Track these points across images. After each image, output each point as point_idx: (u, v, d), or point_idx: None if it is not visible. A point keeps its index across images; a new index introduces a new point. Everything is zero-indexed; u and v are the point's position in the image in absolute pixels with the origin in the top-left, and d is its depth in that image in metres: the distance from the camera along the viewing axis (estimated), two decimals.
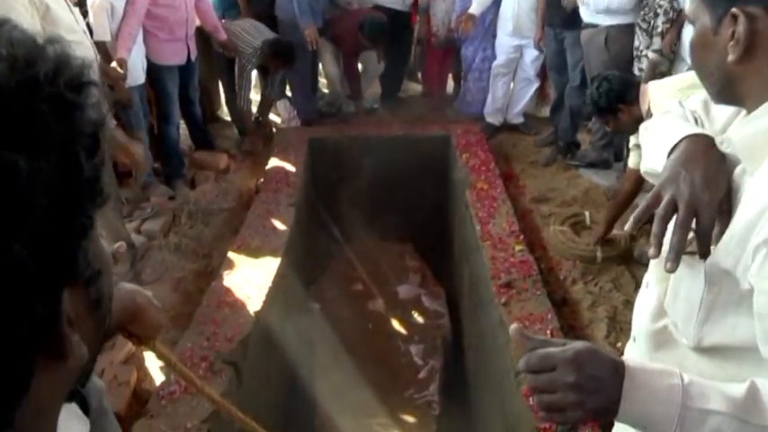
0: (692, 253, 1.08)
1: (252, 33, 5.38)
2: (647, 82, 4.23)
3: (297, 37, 5.57)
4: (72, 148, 0.49)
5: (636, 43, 4.44)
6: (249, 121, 5.94)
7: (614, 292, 3.67)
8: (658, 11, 4.18)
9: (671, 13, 4.15)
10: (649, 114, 3.04)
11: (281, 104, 6.46)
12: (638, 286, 3.66)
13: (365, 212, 5.28)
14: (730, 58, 1.02)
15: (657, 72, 4.21)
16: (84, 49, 3.25)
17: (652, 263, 1.26)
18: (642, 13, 4.34)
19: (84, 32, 3.45)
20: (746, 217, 0.97)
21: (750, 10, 0.98)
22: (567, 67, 5.20)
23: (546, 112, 6.14)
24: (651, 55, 4.24)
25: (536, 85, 5.97)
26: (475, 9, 5.64)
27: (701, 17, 1.07)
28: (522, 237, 3.98)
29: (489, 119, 6.01)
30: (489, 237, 3.97)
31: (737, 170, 1.07)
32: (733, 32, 1.00)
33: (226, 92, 6.03)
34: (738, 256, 0.98)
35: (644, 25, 4.31)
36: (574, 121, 5.30)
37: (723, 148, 1.11)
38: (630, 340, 1.31)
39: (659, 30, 4.20)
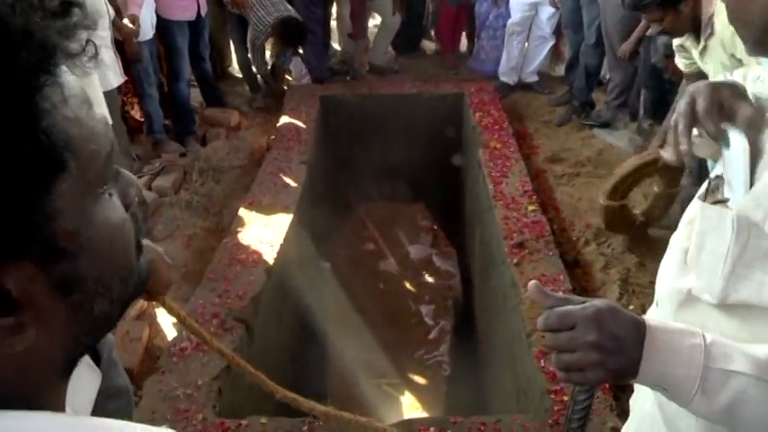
0: (719, 202, 1.04)
1: (266, 6, 5.26)
2: (642, 32, 4.15)
3: None
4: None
5: None
6: (269, 79, 5.87)
7: (627, 253, 3.63)
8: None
9: None
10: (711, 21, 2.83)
11: (293, 61, 6.39)
12: (650, 248, 3.63)
13: (377, 172, 5.25)
14: None
15: None
16: (96, 4, 3.21)
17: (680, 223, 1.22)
18: None
19: None
20: None
21: None
22: (582, 25, 5.10)
23: (560, 70, 6.05)
24: None
25: (551, 42, 5.88)
26: None
27: None
28: (534, 197, 3.94)
29: (504, 78, 5.93)
30: (502, 196, 3.93)
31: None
32: None
33: (237, 49, 5.96)
34: None
35: None
36: (589, 80, 5.22)
37: (759, 87, 1.07)
38: (653, 305, 1.28)
39: None
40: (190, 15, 4.86)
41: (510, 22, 5.76)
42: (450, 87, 5.70)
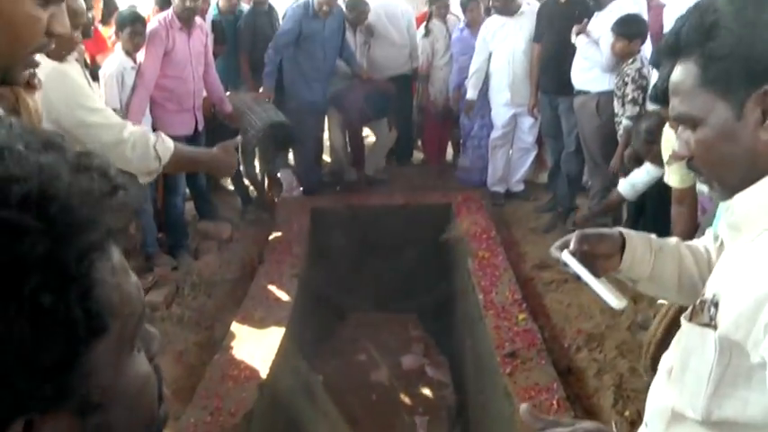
0: (702, 324, 1.09)
1: (256, 112, 5.44)
2: (623, 148, 4.34)
3: (303, 109, 5.72)
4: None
5: (615, 110, 4.54)
6: (259, 188, 6.00)
7: (619, 358, 3.64)
8: (626, 79, 4.30)
9: (639, 81, 4.27)
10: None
11: (284, 174, 6.54)
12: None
13: (368, 282, 5.29)
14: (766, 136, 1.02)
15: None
16: None
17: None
18: (616, 81, 4.46)
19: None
20: (759, 293, 0.97)
21: None
22: (562, 134, 5.29)
23: (544, 177, 6.22)
24: (625, 122, 4.34)
25: (534, 152, 6.07)
26: (471, 94, 5.86)
27: (715, 111, 1.05)
28: (524, 305, 3.99)
29: (494, 188, 6.09)
30: (492, 306, 3.98)
31: (741, 239, 1.09)
32: (763, 111, 1.00)
33: None
34: (749, 329, 0.98)
35: (618, 93, 4.43)
36: (571, 187, 5.37)
37: (728, 216, 1.13)
38: (643, 425, 1.31)
39: (629, 97, 4.31)
40: (188, 131, 4.96)
41: (493, 136, 5.96)
42: (438, 197, 5.84)
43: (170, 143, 2.27)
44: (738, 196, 1.10)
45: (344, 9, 6.03)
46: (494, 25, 5.69)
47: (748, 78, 1.00)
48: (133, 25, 4.48)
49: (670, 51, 1.09)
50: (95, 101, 2.28)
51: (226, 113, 5.42)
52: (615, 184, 4.90)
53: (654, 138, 3.55)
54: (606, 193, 4.98)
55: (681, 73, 1.08)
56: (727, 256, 1.16)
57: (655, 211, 4.19)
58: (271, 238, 5.11)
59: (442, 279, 5.42)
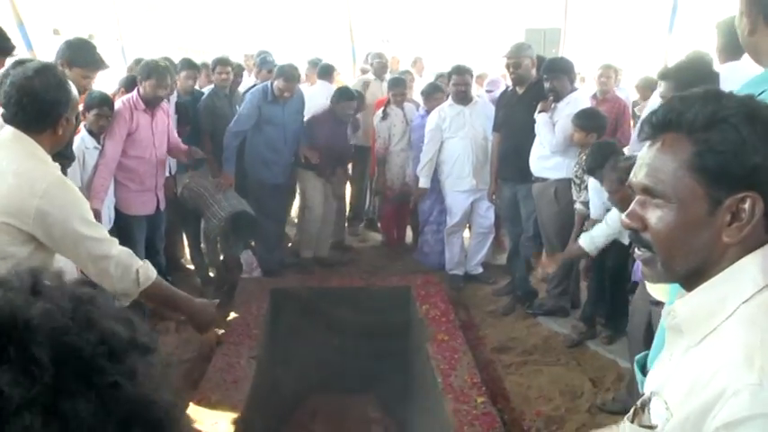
0: (645, 426, 1.13)
1: (219, 201, 5.45)
2: (577, 233, 4.47)
3: (265, 190, 5.85)
4: None
5: (573, 197, 4.68)
6: (220, 270, 5.99)
7: None
8: (584, 167, 4.47)
9: None
10: None
11: (244, 255, 6.52)
12: None
13: (327, 364, 5.25)
14: (730, 239, 1.07)
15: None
16: None
17: None
18: (574, 169, 4.63)
19: None
20: (704, 399, 1.00)
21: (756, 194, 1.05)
22: (520, 218, 5.41)
23: (502, 259, 6.32)
24: (579, 207, 4.49)
25: (492, 235, 6.18)
26: (424, 182, 5.95)
27: (692, 199, 1.08)
28: (483, 389, 3.99)
29: (453, 272, 6.14)
30: (451, 389, 3.98)
31: (682, 342, 1.14)
32: (732, 214, 1.06)
33: (190, 243, 6.10)
34: None
35: (577, 181, 4.59)
36: (530, 270, 5.46)
37: (669, 320, 1.17)
38: None
39: (585, 183, 4.46)
40: (149, 210, 4.98)
41: (450, 224, 6.02)
42: (397, 280, 5.88)
43: (153, 273, 2.34)
44: (680, 301, 1.15)
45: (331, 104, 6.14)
46: (449, 113, 5.80)
47: (734, 181, 1.05)
48: (101, 108, 4.53)
49: (665, 124, 1.11)
50: (91, 215, 2.33)
51: (189, 151, 5.36)
52: (571, 268, 5.03)
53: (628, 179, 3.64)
54: (565, 280, 5.10)
55: (668, 148, 1.10)
56: (668, 356, 1.20)
57: (615, 269, 4.33)
58: (229, 319, 5.06)
59: (402, 361, 5.41)
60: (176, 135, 5.29)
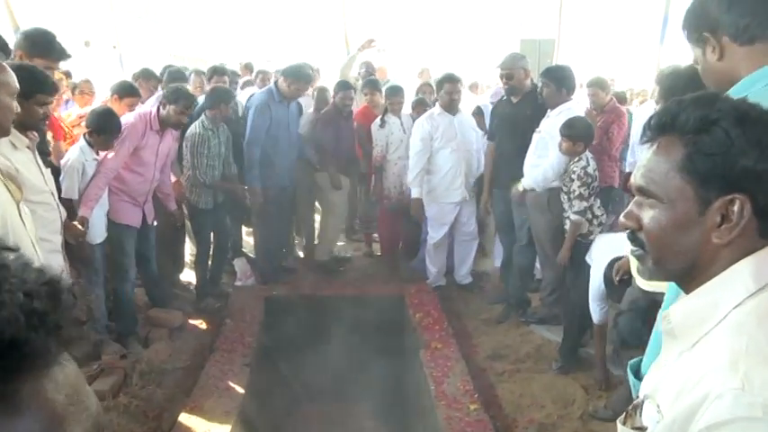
0: (636, 428, 1.15)
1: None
2: (571, 242, 4.49)
3: (270, 193, 5.90)
4: None
5: (563, 206, 4.71)
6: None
7: None
8: (573, 176, 4.50)
9: (584, 178, 4.48)
10: None
11: (238, 263, 6.53)
12: None
13: (321, 372, 5.26)
14: (719, 240, 1.10)
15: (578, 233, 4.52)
16: (49, 209, 3.32)
17: None
18: (563, 179, 4.66)
19: (52, 194, 3.53)
20: (690, 401, 1.03)
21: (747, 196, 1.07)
22: (514, 227, 5.43)
23: (484, 265, 6.41)
24: (574, 217, 4.51)
25: (476, 242, 6.18)
26: (417, 193, 5.88)
27: (682, 199, 1.12)
28: (476, 396, 4.01)
29: (438, 283, 6.15)
30: (444, 397, 3.99)
31: (676, 346, 1.16)
32: (722, 216, 1.08)
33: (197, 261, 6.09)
34: None
35: (565, 189, 4.61)
36: (523, 279, 5.48)
37: (664, 325, 1.20)
38: None
39: (576, 193, 4.49)
40: (137, 223, 4.97)
41: (435, 238, 6.01)
42: (391, 289, 5.90)
43: None
44: (675, 306, 1.18)
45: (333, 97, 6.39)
46: (441, 122, 5.78)
47: (723, 182, 1.08)
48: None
49: (661, 127, 1.15)
50: None
51: (169, 210, 5.40)
52: (564, 277, 5.03)
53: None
54: (558, 288, 5.12)
55: (662, 150, 1.14)
56: (663, 361, 1.22)
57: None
58: (223, 326, 5.07)
59: (395, 369, 5.41)
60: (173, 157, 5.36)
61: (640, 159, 1.20)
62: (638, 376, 1.57)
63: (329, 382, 5.32)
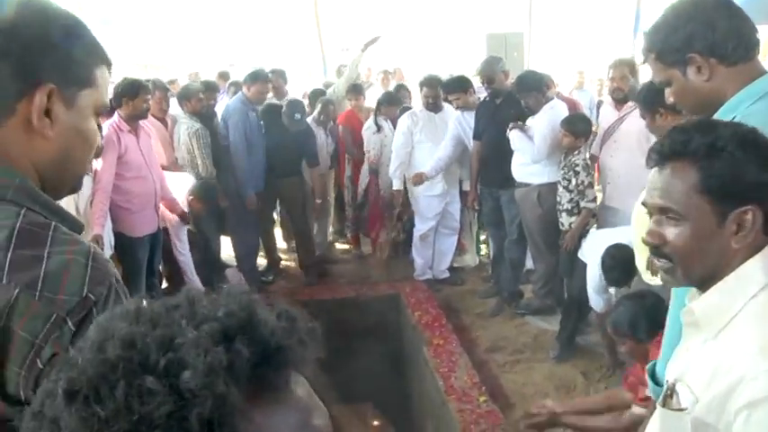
0: (675, 410, 1.31)
1: None
2: (580, 229, 4.65)
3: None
4: None
5: (558, 199, 4.86)
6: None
7: None
8: (577, 169, 4.65)
9: (587, 168, 4.68)
10: None
11: (230, 272, 6.57)
12: None
13: (323, 376, 5.33)
14: (738, 245, 1.27)
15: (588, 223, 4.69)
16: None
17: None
18: (562, 172, 4.81)
19: None
20: (726, 383, 1.20)
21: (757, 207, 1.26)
22: (503, 223, 5.57)
23: (462, 261, 6.63)
24: (591, 205, 4.65)
25: (456, 236, 6.36)
26: (398, 185, 6.15)
27: (702, 214, 1.28)
28: (483, 388, 4.15)
29: (424, 277, 6.28)
30: (453, 390, 4.12)
31: (699, 336, 1.34)
32: (738, 225, 1.26)
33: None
34: (719, 413, 1.21)
35: (564, 183, 4.76)
36: (515, 272, 5.63)
37: (686, 318, 1.37)
38: None
39: (586, 183, 4.65)
40: (151, 229, 4.98)
41: (422, 230, 6.16)
42: (386, 288, 6.01)
43: None
44: (696, 302, 1.36)
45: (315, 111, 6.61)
46: (421, 117, 6.00)
47: (736, 197, 1.26)
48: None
49: (672, 153, 1.31)
50: None
51: (178, 213, 5.44)
52: (557, 268, 5.19)
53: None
54: (551, 280, 5.28)
55: (677, 174, 1.30)
56: (685, 349, 1.41)
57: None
58: None
59: (397, 367, 5.53)
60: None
61: (651, 181, 1.36)
62: (656, 380, 1.75)
63: (332, 385, 5.38)
